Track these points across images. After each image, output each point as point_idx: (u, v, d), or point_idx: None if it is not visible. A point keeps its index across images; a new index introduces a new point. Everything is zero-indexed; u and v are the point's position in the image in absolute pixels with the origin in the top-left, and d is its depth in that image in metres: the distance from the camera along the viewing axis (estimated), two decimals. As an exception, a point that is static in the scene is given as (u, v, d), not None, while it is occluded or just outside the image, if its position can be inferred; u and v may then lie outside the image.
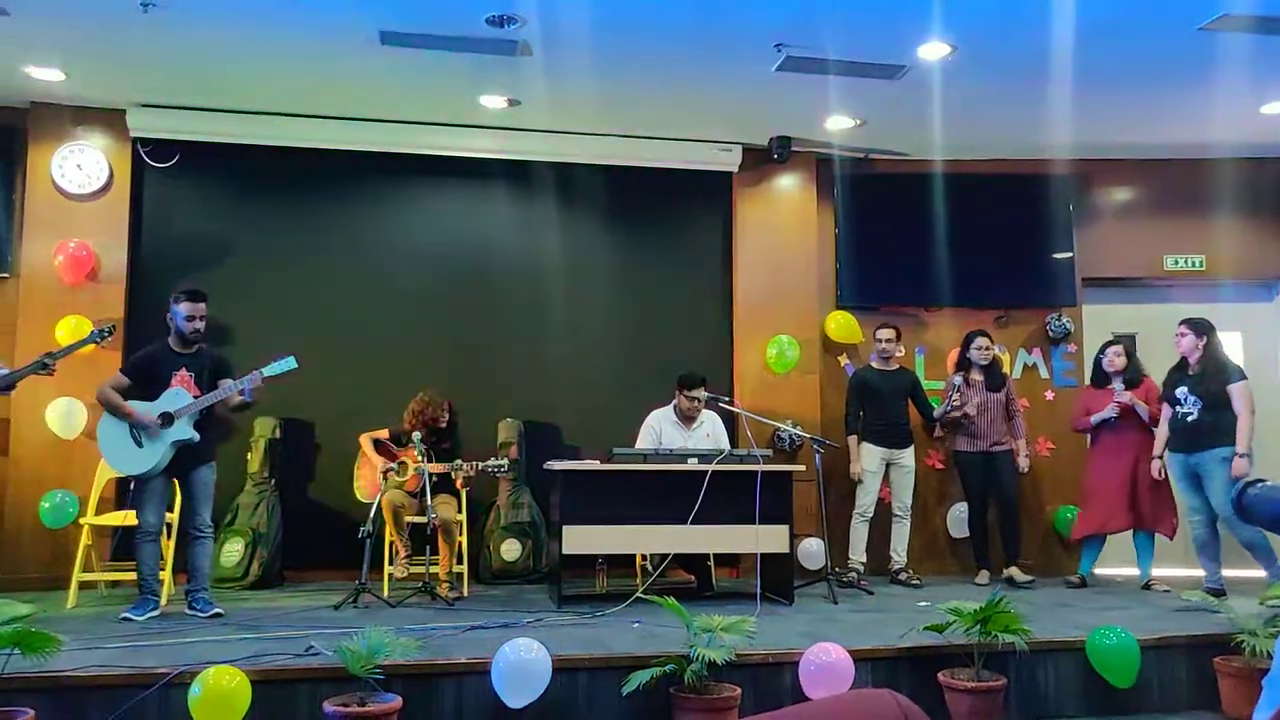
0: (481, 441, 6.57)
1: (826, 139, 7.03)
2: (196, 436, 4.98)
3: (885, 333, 6.67)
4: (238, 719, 3.55)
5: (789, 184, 7.28)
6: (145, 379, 5.05)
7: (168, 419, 4.94)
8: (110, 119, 6.41)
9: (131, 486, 5.06)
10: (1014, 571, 6.47)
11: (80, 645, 4.05)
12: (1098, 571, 6.50)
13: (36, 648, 3.40)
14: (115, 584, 5.89)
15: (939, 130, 6.70)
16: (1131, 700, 4.37)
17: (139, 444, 4.94)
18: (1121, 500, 6.19)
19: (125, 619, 4.80)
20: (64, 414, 6.07)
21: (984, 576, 6.45)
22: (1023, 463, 6.55)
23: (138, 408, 4.96)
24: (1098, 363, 6.49)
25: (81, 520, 5.67)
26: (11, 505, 6.09)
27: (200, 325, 5.10)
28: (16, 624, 3.39)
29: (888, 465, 6.58)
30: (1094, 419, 6.35)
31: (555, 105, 6.36)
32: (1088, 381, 6.72)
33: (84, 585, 5.54)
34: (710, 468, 5.45)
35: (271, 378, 5.11)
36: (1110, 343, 6.51)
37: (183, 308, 5.07)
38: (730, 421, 6.68)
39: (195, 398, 5.00)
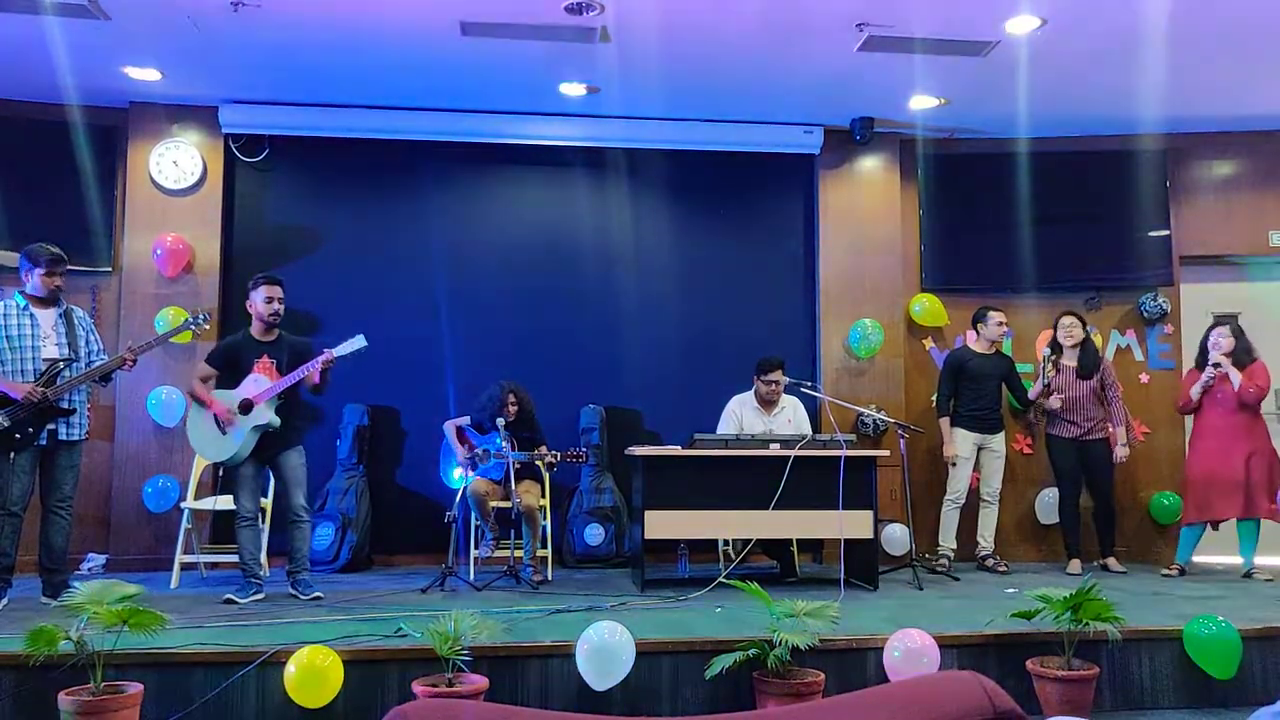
0: (563, 428, 6.63)
1: (910, 119, 6.90)
2: (277, 421, 5.08)
3: (999, 315, 6.46)
4: (330, 696, 3.66)
5: (872, 165, 7.17)
6: (228, 366, 5.20)
7: (246, 406, 5.07)
8: (203, 116, 6.62)
9: (220, 474, 5.21)
10: (1110, 562, 6.32)
11: (184, 624, 4.20)
12: (1196, 559, 6.28)
13: (144, 625, 3.54)
14: (214, 566, 6.10)
15: (1027, 107, 6.54)
16: (1233, 692, 4.21)
17: (222, 431, 5.09)
18: (1235, 486, 5.93)
19: (229, 600, 4.96)
20: (164, 402, 6.31)
21: (1075, 565, 6.28)
22: (1120, 452, 6.30)
23: (219, 396, 5.10)
24: (1204, 347, 6.19)
25: (182, 504, 5.89)
26: (117, 490, 6.35)
27: (279, 307, 5.23)
28: (125, 603, 3.54)
29: (979, 450, 6.46)
30: (1193, 390, 6.07)
31: (634, 91, 6.37)
32: (1191, 365, 6.41)
33: (185, 567, 5.76)
34: (793, 453, 5.41)
35: (343, 357, 5.15)
36: (1216, 324, 6.23)
37: (260, 291, 5.21)
38: (812, 406, 6.63)
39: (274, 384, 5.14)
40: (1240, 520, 6.05)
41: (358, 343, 5.18)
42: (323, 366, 5.08)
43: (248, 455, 5.10)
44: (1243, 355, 6.04)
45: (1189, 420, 6.42)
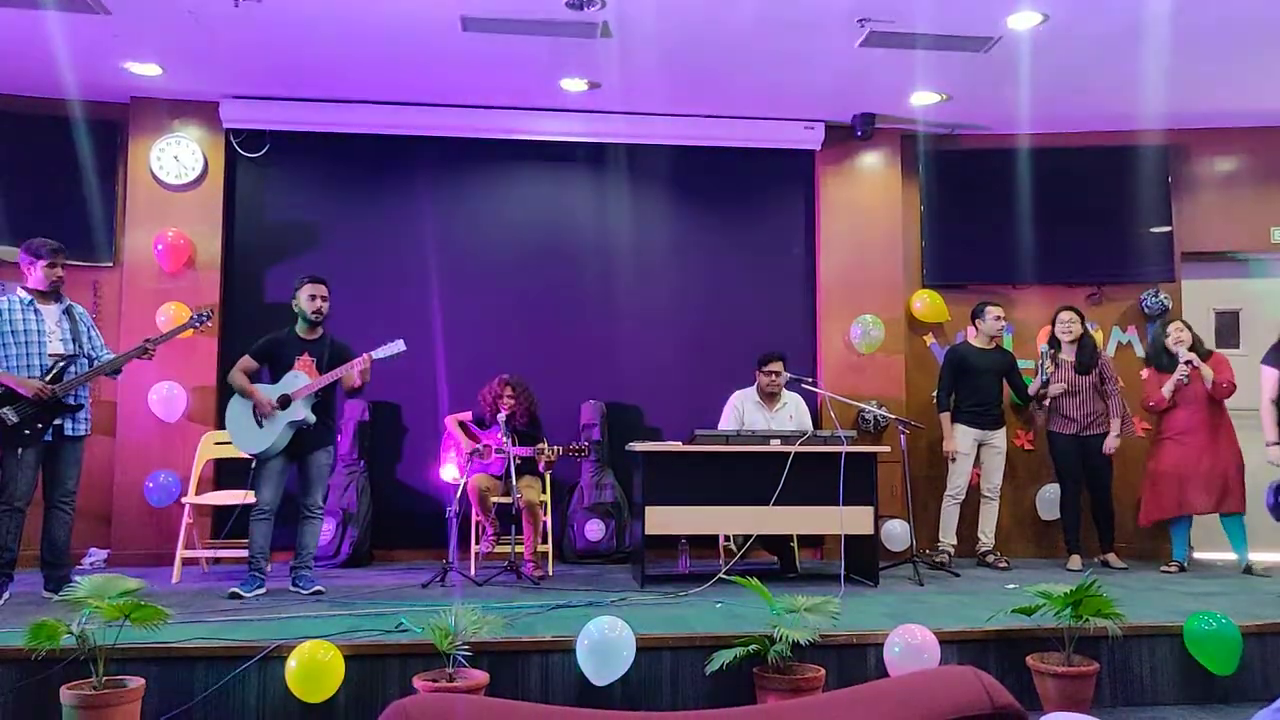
0: (565, 423, 6.64)
1: (911, 115, 6.89)
2: (312, 418, 5.13)
3: (996, 310, 6.47)
4: (331, 691, 3.67)
5: (873, 161, 7.16)
6: (270, 361, 5.26)
7: (284, 400, 5.12)
8: (204, 111, 6.61)
9: (253, 465, 5.23)
10: (1110, 558, 6.32)
11: (185, 619, 4.21)
12: (1198, 556, 6.28)
13: (146, 620, 3.54)
14: (216, 561, 6.10)
15: (1028, 103, 6.53)
16: (1234, 688, 4.22)
17: (259, 424, 5.13)
18: (1213, 480, 5.97)
19: (234, 594, 4.96)
20: (166, 397, 6.31)
21: (1076, 561, 6.28)
22: (1109, 443, 6.29)
23: (260, 389, 5.15)
24: (1161, 345, 6.23)
25: (184, 499, 5.89)
26: (119, 485, 6.36)
27: (322, 305, 5.28)
28: (127, 597, 3.55)
29: (979, 446, 6.46)
30: (1165, 389, 6.09)
31: (635, 87, 6.36)
32: (1150, 364, 6.40)
33: (187, 562, 5.77)
34: (794, 449, 5.41)
35: (380, 360, 5.22)
36: (1166, 321, 6.31)
37: (304, 290, 5.27)
38: (814, 402, 6.63)
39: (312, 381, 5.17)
40: (1224, 519, 6.07)
41: (396, 347, 5.25)
42: (362, 369, 5.15)
43: (281, 450, 5.15)
44: (1199, 349, 6.13)
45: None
